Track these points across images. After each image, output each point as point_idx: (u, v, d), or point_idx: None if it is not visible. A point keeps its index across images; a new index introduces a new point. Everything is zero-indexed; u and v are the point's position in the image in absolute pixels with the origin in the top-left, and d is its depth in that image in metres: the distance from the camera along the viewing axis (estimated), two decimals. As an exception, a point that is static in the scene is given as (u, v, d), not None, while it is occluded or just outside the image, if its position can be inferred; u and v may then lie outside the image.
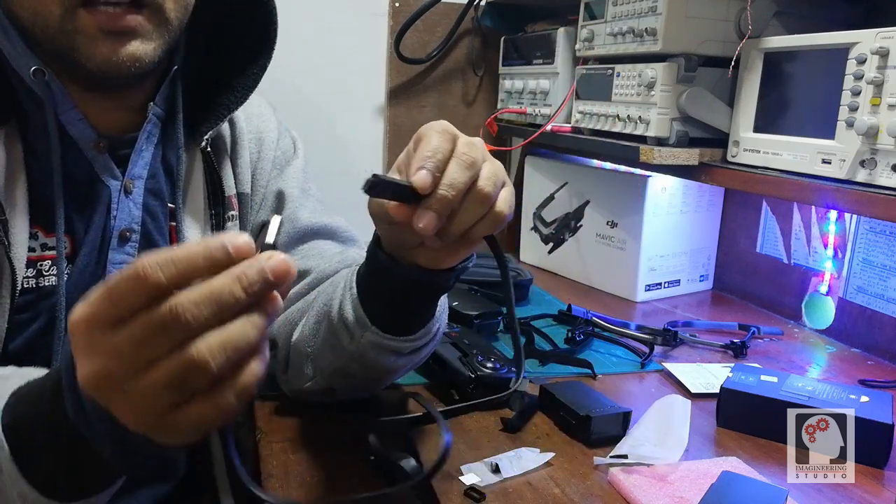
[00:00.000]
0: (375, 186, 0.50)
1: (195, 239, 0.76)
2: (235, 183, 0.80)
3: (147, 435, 0.40)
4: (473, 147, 0.53)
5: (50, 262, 0.67)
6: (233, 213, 0.79)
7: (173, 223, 0.75)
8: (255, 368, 0.39)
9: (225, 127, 0.80)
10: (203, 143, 0.75)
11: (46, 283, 0.67)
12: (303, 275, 0.79)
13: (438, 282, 0.61)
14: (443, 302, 0.69)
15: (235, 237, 0.38)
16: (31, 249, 0.66)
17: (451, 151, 0.52)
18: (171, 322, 0.36)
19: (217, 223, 0.77)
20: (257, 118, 0.85)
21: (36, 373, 0.50)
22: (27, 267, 0.66)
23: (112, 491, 0.50)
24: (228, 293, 0.37)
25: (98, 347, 0.38)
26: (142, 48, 0.63)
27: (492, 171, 0.54)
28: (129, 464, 0.45)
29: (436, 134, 0.52)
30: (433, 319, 0.67)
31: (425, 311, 0.65)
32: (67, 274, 0.67)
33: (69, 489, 0.47)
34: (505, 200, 0.55)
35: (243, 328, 0.38)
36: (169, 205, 0.75)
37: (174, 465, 0.47)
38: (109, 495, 0.50)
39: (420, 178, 0.50)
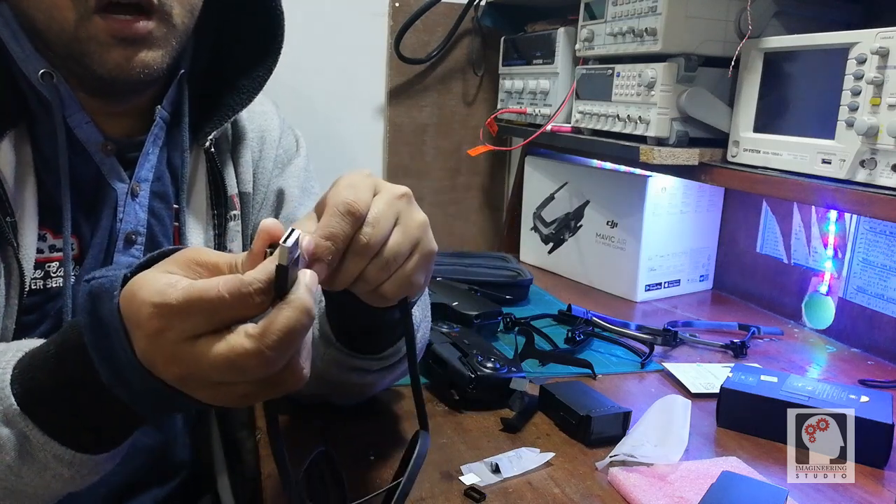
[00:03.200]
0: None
1: (197, 240, 0.76)
2: (237, 182, 0.80)
3: (209, 401, 0.43)
4: (372, 227, 0.49)
5: (57, 263, 0.67)
6: (235, 212, 0.79)
7: (177, 224, 0.75)
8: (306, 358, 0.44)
9: (227, 125, 0.80)
10: (207, 144, 0.75)
11: (53, 285, 0.67)
12: None
13: (379, 315, 0.58)
14: (418, 318, 0.69)
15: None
16: (39, 251, 0.66)
17: (350, 237, 0.48)
18: (262, 357, 0.40)
19: (219, 223, 0.77)
20: (259, 116, 0.84)
21: (31, 343, 0.50)
22: (35, 268, 0.66)
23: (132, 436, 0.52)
24: (300, 327, 0.41)
25: (186, 358, 0.40)
26: (151, 56, 0.64)
27: (393, 250, 0.50)
28: (159, 415, 0.48)
29: (338, 219, 0.47)
30: (403, 339, 0.66)
31: (388, 333, 0.65)
32: (74, 276, 0.67)
33: (99, 442, 0.49)
34: (399, 278, 0.51)
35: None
36: (173, 206, 0.75)
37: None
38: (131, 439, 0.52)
39: (319, 272, 0.46)
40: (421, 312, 0.70)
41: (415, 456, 0.53)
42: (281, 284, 0.40)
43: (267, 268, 0.40)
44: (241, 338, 0.40)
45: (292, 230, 0.41)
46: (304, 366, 0.44)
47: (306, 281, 0.42)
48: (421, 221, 0.52)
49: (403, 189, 0.52)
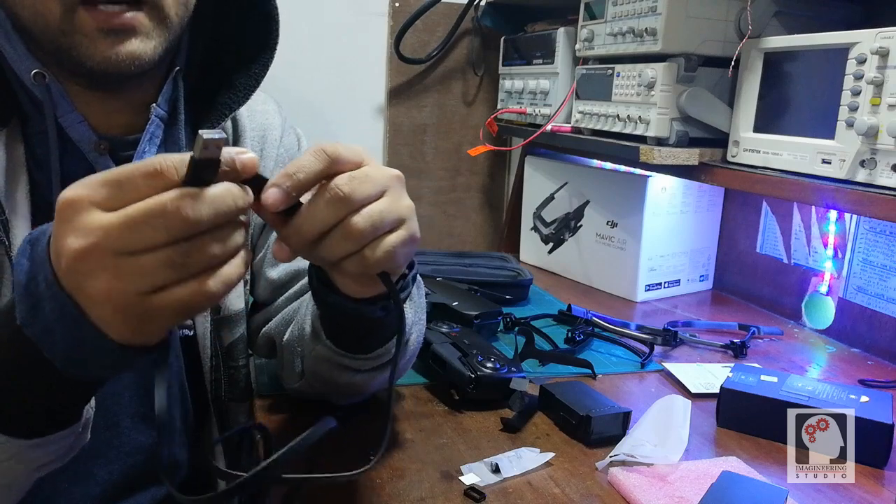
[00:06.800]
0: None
1: None
2: None
3: (113, 323, 0.42)
4: (357, 181, 0.47)
5: None
6: None
7: None
8: (238, 270, 0.44)
9: (227, 123, 0.80)
10: None
11: None
12: (302, 274, 0.79)
13: (360, 312, 0.58)
14: (411, 318, 0.68)
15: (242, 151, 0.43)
16: None
17: (320, 174, 0.47)
18: (180, 211, 0.40)
19: None
20: (261, 115, 0.84)
21: None
22: None
23: (74, 435, 0.51)
24: (230, 202, 0.42)
25: (92, 225, 0.40)
26: (141, 46, 0.63)
27: (378, 211, 0.48)
28: (77, 368, 0.45)
29: (310, 154, 0.47)
30: (394, 339, 0.65)
31: (376, 333, 0.64)
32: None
33: (25, 423, 0.48)
34: (385, 247, 0.49)
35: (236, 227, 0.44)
36: None
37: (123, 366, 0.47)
38: (74, 439, 0.51)
39: (270, 195, 0.46)
40: (414, 314, 0.70)
41: (304, 434, 0.51)
42: (196, 174, 0.41)
43: (183, 156, 0.41)
44: (165, 193, 0.40)
45: (220, 131, 0.41)
46: (227, 271, 0.43)
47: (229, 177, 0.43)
48: (409, 204, 0.51)
49: (397, 171, 0.51)
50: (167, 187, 0.40)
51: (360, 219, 0.47)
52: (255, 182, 0.45)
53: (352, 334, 0.65)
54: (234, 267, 0.44)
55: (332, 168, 0.48)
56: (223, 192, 0.42)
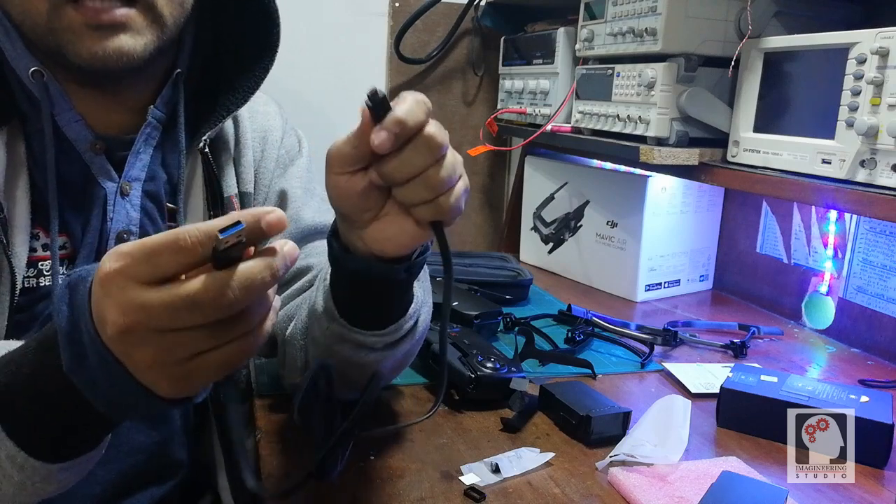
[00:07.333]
0: (377, 102, 0.50)
1: None
2: (238, 182, 0.80)
3: (159, 385, 0.43)
4: (443, 130, 0.52)
5: (50, 262, 0.67)
6: (233, 213, 0.79)
7: (173, 224, 0.75)
8: (272, 320, 0.46)
9: (229, 125, 0.80)
10: (201, 145, 0.75)
11: (45, 284, 0.67)
12: (304, 271, 0.79)
13: (387, 273, 0.60)
14: (420, 298, 0.68)
15: (266, 213, 0.43)
16: (32, 249, 0.66)
17: (423, 125, 0.51)
18: (214, 300, 0.40)
19: None
20: (262, 116, 0.84)
21: (10, 344, 0.50)
22: (28, 266, 0.66)
23: (98, 453, 0.52)
24: (261, 280, 0.42)
25: (133, 303, 0.40)
26: (130, 42, 0.63)
27: (451, 163, 0.53)
28: (119, 413, 0.46)
29: (415, 104, 0.51)
30: (405, 316, 0.66)
31: (392, 305, 0.65)
32: (67, 275, 0.67)
33: (55, 448, 0.48)
34: (455, 195, 0.54)
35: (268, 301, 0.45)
36: (168, 205, 0.75)
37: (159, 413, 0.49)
38: (97, 456, 0.52)
39: (380, 138, 0.49)
40: (423, 294, 0.70)
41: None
42: (219, 258, 0.41)
43: (207, 229, 0.41)
44: (197, 279, 0.40)
45: (238, 222, 0.41)
46: (263, 326, 0.45)
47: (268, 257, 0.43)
48: (460, 157, 0.55)
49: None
50: (197, 262, 0.41)
51: (443, 170, 0.52)
52: (381, 109, 0.49)
53: (367, 309, 0.64)
54: (269, 321, 0.45)
55: (426, 118, 0.51)
56: (253, 271, 0.41)
